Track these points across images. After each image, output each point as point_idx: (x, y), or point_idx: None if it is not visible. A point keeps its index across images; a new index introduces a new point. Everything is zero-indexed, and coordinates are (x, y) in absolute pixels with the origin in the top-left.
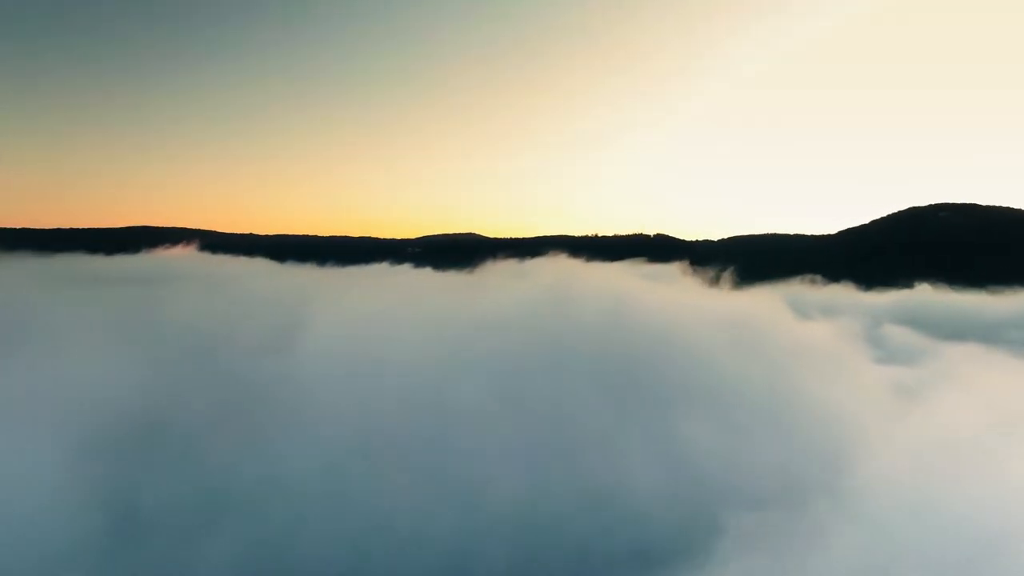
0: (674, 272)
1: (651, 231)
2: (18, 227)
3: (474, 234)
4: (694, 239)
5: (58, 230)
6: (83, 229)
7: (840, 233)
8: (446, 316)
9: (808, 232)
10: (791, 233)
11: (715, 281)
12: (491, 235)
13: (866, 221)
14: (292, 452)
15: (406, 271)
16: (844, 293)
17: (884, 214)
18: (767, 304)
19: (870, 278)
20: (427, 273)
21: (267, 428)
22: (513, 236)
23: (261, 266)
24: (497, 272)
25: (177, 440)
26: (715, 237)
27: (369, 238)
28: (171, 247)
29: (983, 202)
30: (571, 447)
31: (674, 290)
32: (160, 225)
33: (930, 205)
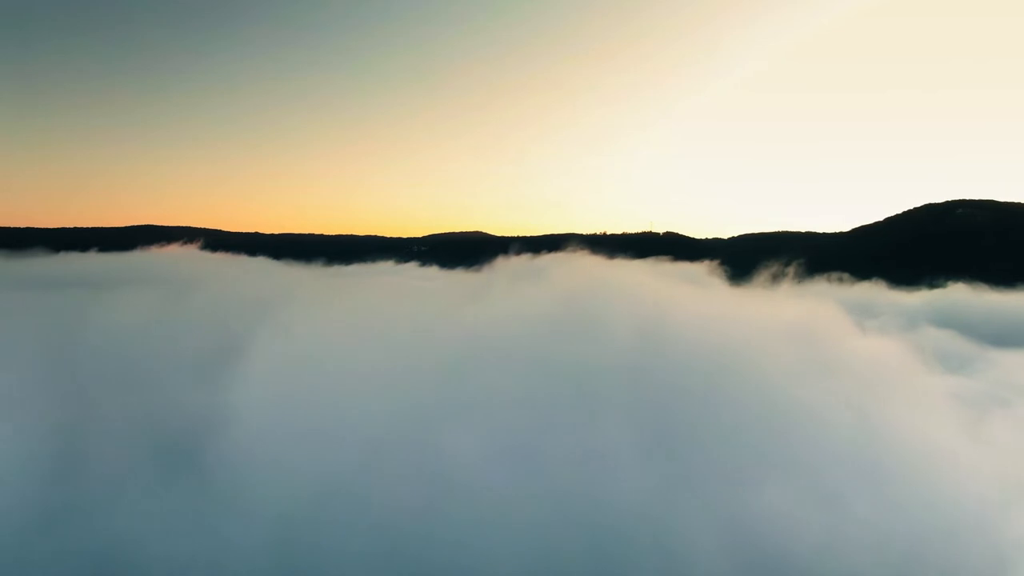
0: (701, 272)
1: (659, 229)
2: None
3: (481, 232)
4: (703, 237)
5: (60, 230)
6: (85, 229)
7: (854, 230)
8: (444, 329)
9: (819, 230)
10: (802, 231)
11: (747, 281)
12: (498, 233)
13: (880, 218)
14: (225, 525)
15: (411, 269)
16: (876, 292)
17: (897, 212)
18: (826, 312)
19: (898, 276)
20: (432, 272)
21: (195, 489)
22: (521, 234)
23: (257, 265)
24: (509, 270)
25: (71, 501)
26: (725, 235)
27: (375, 237)
28: (165, 245)
29: (1000, 198)
30: (604, 525)
31: (713, 294)
32: (165, 224)
33: (947, 201)
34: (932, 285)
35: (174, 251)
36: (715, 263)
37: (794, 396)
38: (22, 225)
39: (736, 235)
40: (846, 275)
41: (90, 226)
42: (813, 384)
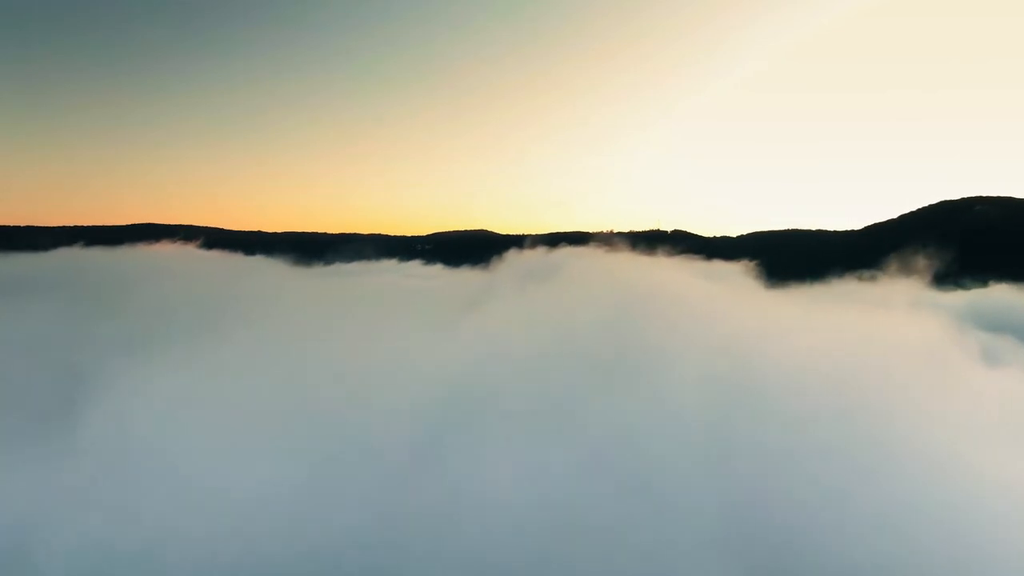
0: (736, 271)
1: (667, 227)
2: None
3: (485, 230)
4: (712, 235)
5: (60, 228)
6: (85, 227)
7: (868, 228)
8: (426, 363)
9: (830, 228)
10: (813, 229)
11: (787, 281)
12: (502, 232)
13: (893, 216)
14: None
15: (414, 268)
16: (916, 291)
17: (907, 210)
18: (941, 328)
19: (932, 275)
20: (436, 270)
21: None
22: (527, 232)
23: (241, 264)
24: (521, 267)
25: None
26: (733, 234)
27: (379, 235)
28: (153, 243)
29: (1017, 195)
30: None
31: (780, 302)
32: (166, 223)
33: (963, 198)
34: (959, 284)
35: (162, 248)
36: (751, 263)
37: (955, 458)
38: (21, 223)
39: (745, 233)
40: (878, 273)
41: (90, 224)
42: (975, 442)
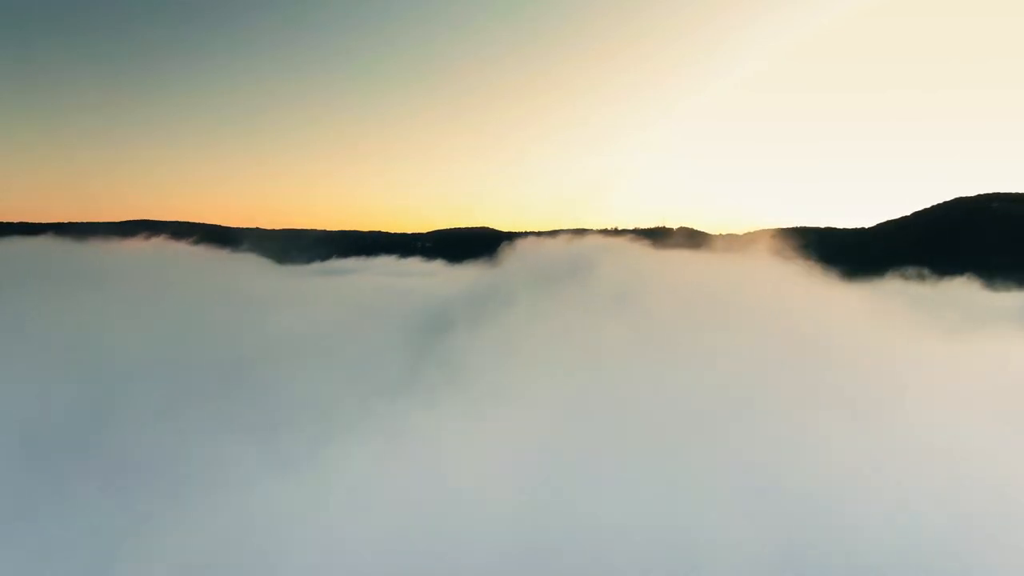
0: (796, 270)
1: (672, 225)
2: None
3: (488, 227)
4: (718, 233)
5: (55, 225)
6: (83, 223)
7: (880, 225)
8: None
9: (838, 226)
10: (821, 226)
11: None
12: (505, 229)
13: (907, 213)
14: None
15: (414, 264)
16: (972, 292)
17: (922, 207)
18: None
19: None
20: (436, 266)
21: None
22: (531, 230)
23: (227, 260)
24: (534, 262)
25: None
26: (739, 231)
27: (378, 232)
28: (125, 239)
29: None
30: None
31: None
32: (163, 219)
33: (980, 195)
34: (992, 284)
35: (138, 243)
36: (812, 261)
37: None
38: (15, 220)
39: (753, 230)
40: (926, 271)
41: (87, 221)
42: None
